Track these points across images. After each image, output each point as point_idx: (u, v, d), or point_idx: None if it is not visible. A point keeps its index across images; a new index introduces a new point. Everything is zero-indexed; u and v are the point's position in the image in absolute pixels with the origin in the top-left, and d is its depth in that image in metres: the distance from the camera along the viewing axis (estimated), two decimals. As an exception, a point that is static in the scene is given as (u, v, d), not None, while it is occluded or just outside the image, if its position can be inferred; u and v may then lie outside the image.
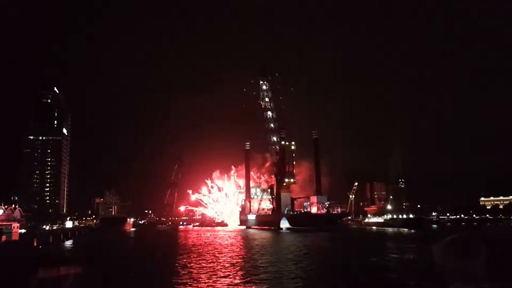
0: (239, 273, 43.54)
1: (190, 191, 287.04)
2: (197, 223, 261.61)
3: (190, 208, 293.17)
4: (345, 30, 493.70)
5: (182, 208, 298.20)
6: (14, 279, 38.15)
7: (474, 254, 2.46)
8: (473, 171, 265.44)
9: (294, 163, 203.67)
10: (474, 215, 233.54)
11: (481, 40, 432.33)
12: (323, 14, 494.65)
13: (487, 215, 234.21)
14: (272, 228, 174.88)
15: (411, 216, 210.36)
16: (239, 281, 37.91)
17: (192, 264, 51.93)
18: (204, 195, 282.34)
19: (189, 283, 36.98)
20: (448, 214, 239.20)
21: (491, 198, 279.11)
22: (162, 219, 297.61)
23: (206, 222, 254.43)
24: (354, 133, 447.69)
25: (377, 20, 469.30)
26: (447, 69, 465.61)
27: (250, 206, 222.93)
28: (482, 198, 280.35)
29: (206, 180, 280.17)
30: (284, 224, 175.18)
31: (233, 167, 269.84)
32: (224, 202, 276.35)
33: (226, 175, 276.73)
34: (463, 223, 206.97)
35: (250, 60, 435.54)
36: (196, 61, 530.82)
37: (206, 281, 38.21)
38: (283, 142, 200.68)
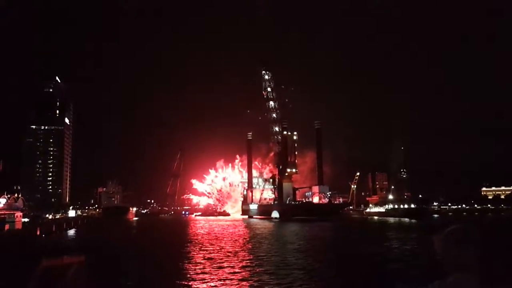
0: (241, 263, 43.74)
1: (194, 181, 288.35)
2: (199, 213, 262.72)
3: (192, 197, 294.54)
4: (346, 25, 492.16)
5: (184, 198, 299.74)
6: (17, 267, 38.40)
7: (475, 244, 2.45)
8: (475, 161, 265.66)
9: (296, 153, 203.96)
10: (475, 205, 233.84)
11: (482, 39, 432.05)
12: (323, 9, 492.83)
13: (489, 205, 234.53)
14: (273, 218, 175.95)
15: (412, 206, 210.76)
16: (241, 271, 38.10)
17: (193, 254, 52.22)
18: (208, 185, 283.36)
19: (192, 272, 37.19)
20: (449, 204, 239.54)
21: (493, 188, 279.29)
22: (164, 208, 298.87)
23: (208, 212, 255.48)
24: (356, 124, 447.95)
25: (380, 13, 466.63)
26: (451, 61, 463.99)
27: (252, 196, 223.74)
28: (484, 188, 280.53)
29: (210, 170, 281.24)
30: (275, 214, 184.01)
31: (238, 156, 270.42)
32: (227, 192, 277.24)
33: (230, 164, 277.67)
34: (464, 213, 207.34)
35: (251, 53, 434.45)
36: (196, 54, 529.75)
37: (209, 270, 38.40)
38: (285, 132, 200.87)
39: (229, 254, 51.76)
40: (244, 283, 32.77)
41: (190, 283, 32.73)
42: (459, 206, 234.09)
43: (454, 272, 2.71)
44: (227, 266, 41.04)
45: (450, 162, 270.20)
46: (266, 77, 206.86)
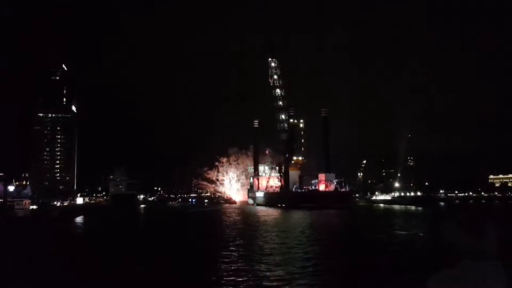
0: (247, 251, 43.97)
1: (205, 169, 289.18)
2: (206, 200, 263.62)
3: (201, 184, 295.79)
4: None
5: (192, 185, 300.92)
6: (27, 255, 38.85)
7: (485, 232, 2.47)
8: (482, 149, 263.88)
9: (303, 141, 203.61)
10: (482, 193, 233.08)
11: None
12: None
13: (496, 193, 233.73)
14: (279, 205, 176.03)
15: (419, 193, 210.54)
16: (244, 260, 38.28)
17: (203, 243, 52.51)
18: (217, 172, 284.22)
19: (202, 264, 37.41)
20: (456, 192, 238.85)
21: (500, 175, 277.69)
22: (171, 196, 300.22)
23: (215, 199, 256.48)
24: (364, 111, 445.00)
25: None
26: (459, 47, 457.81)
27: (258, 183, 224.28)
28: (491, 176, 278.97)
29: (221, 157, 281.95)
30: (250, 201, 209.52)
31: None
32: (235, 180, 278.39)
33: (243, 151, 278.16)
34: (471, 201, 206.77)
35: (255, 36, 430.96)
36: (197, 39, 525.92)
37: (220, 256, 38.62)
38: (291, 120, 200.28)
39: (238, 243, 52.04)
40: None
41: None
42: (466, 194, 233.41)
43: (464, 259, 2.78)
44: (236, 255, 41.21)
45: (458, 149, 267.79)
46: (273, 64, 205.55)
